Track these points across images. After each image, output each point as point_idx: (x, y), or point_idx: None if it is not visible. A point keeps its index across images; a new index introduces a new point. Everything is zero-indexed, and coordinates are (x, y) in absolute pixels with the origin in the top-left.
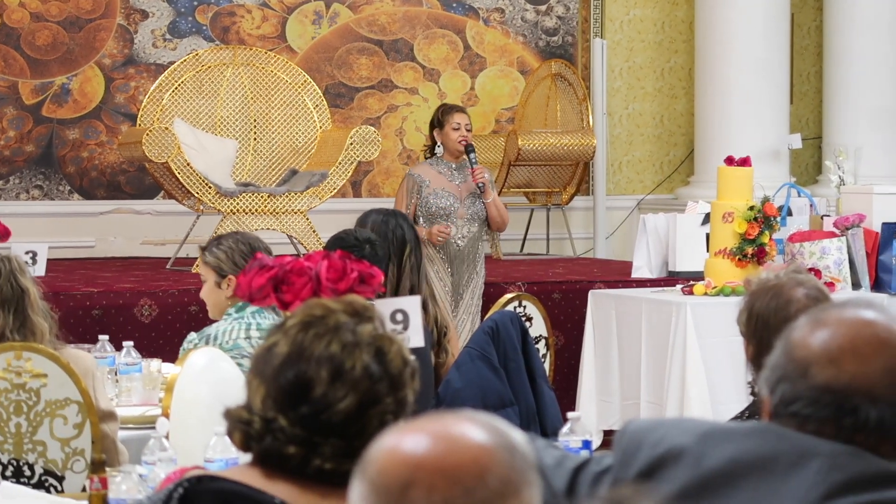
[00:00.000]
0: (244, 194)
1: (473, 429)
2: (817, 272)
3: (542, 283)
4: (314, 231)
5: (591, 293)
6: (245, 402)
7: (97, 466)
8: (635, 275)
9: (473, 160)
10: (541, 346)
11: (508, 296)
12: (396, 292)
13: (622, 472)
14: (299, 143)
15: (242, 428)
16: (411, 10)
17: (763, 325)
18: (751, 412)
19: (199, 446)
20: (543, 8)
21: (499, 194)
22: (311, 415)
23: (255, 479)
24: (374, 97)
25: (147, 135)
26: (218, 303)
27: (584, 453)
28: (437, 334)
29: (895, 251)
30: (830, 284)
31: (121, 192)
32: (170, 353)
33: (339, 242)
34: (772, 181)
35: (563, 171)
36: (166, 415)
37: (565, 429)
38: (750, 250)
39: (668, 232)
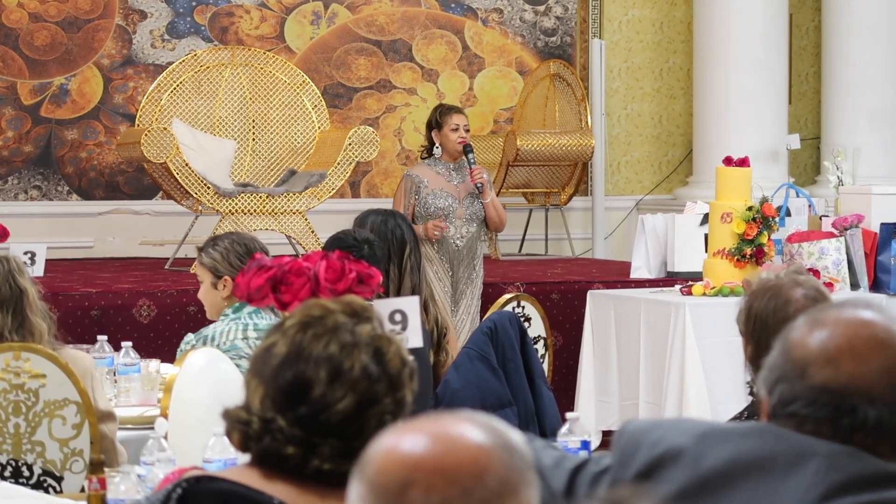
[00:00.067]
0: (243, 195)
1: (472, 429)
2: (816, 272)
3: (540, 284)
4: (313, 231)
5: (589, 293)
6: (244, 403)
7: (96, 467)
8: (634, 275)
9: (472, 160)
10: (539, 346)
11: (507, 296)
12: (399, 292)
13: (621, 473)
14: (298, 143)
15: (241, 428)
16: (410, 10)
17: (762, 326)
18: (749, 412)
19: (198, 447)
20: (542, 8)
21: (497, 195)
22: (310, 415)
23: (254, 480)
24: (372, 97)
25: (146, 135)
26: (214, 304)
27: (583, 454)
28: (437, 335)
29: (894, 251)
30: (829, 285)
31: (119, 192)
32: (168, 354)
33: (338, 243)
34: (770, 181)
35: (562, 172)
36: (165, 415)
37: (564, 429)
38: (748, 251)
39: (666, 232)
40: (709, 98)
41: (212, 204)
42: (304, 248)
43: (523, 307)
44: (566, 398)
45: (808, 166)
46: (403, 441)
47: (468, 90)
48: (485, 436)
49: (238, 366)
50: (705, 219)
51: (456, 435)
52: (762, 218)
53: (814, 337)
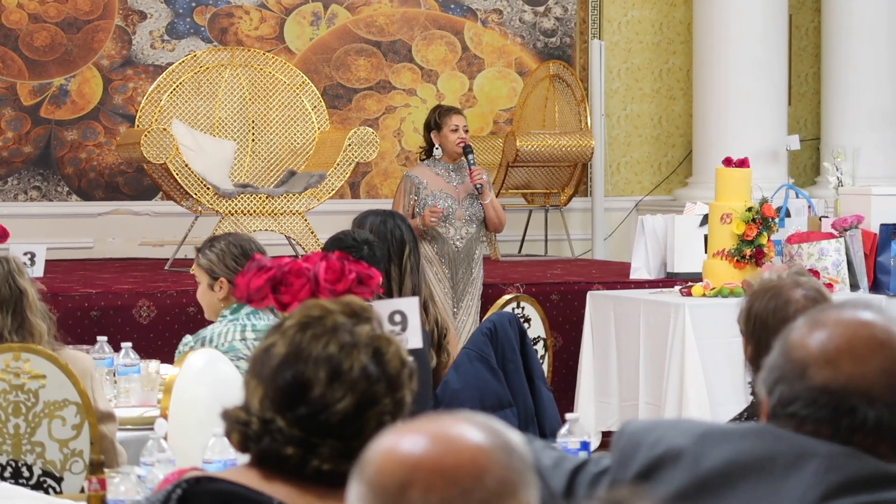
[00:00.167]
0: (242, 195)
1: (471, 430)
2: (815, 273)
3: (540, 285)
4: (312, 232)
5: (589, 294)
6: (243, 403)
7: (96, 467)
8: (633, 276)
9: (472, 161)
10: (539, 347)
11: (507, 297)
12: (400, 293)
13: (620, 473)
14: (297, 144)
15: (240, 429)
16: (409, 11)
17: (762, 326)
18: (749, 413)
19: (198, 447)
20: (541, 9)
21: (497, 195)
22: (309, 415)
23: (254, 480)
24: (372, 98)
25: (145, 136)
26: (212, 305)
27: (583, 454)
28: (437, 335)
29: (893, 252)
30: (829, 286)
31: (119, 193)
32: (168, 355)
33: (338, 243)
34: (770, 182)
35: (562, 173)
36: (165, 416)
37: (563, 430)
38: (748, 251)
39: (666, 233)
40: (708, 99)
41: (211, 205)
42: (303, 248)
43: (523, 308)
44: (566, 399)
45: (807, 167)
46: (403, 441)
47: (468, 91)
48: (484, 436)
49: (237, 367)
50: (705, 220)
51: (455, 435)
52: (762, 219)
53: (813, 337)
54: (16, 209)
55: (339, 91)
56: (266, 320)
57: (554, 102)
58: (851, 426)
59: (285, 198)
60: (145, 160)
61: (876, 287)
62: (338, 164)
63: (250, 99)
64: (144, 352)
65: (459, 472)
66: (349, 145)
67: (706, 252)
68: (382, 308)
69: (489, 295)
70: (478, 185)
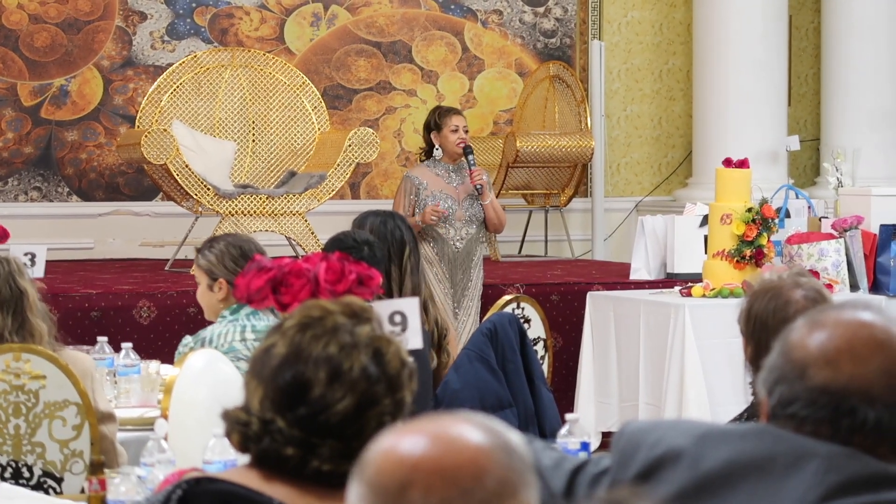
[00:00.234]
0: (243, 196)
1: (471, 430)
2: (815, 274)
3: (540, 285)
4: (312, 233)
5: (589, 295)
6: (243, 404)
7: (96, 468)
8: (633, 276)
9: (472, 162)
10: (539, 347)
11: (507, 297)
12: (400, 293)
13: (620, 474)
14: (298, 144)
15: (240, 429)
16: (409, 11)
17: (761, 326)
18: (750, 414)
19: (198, 448)
20: (541, 10)
21: (497, 196)
22: (309, 416)
23: (254, 481)
24: (372, 99)
25: (146, 136)
26: (211, 305)
27: (582, 455)
28: (437, 336)
29: (893, 253)
30: (828, 286)
31: (119, 193)
32: (168, 355)
33: (338, 244)
34: (770, 183)
35: (562, 173)
36: (165, 416)
37: (563, 430)
38: (748, 252)
39: (666, 234)
40: (708, 99)
41: (212, 205)
42: (304, 249)
43: (523, 308)
44: (566, 399)
45: (807, 168)
46: (403, 442)
47: (468, 92)
48: (484, 437)
49: (236, 367)
50: (705, 220)
51: (455, 436)
52: (762, 219)
53: (813, 338)
54: (16, 210)
55: (340, 92)
56: (266, 321)
57: (554, 103)
58: (851, 427)
59: (285, 198)
60: (146, 161)
61: (876, 288)
62: (338, 165)
63: (250, 99)
64: (145, 352)
65: (459, 473)
66: (349, 146)
67: (706, 253)
68: (382, 308)
69: (489, 295)
70: (478, 186)
